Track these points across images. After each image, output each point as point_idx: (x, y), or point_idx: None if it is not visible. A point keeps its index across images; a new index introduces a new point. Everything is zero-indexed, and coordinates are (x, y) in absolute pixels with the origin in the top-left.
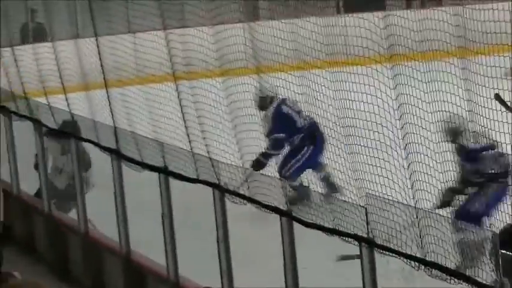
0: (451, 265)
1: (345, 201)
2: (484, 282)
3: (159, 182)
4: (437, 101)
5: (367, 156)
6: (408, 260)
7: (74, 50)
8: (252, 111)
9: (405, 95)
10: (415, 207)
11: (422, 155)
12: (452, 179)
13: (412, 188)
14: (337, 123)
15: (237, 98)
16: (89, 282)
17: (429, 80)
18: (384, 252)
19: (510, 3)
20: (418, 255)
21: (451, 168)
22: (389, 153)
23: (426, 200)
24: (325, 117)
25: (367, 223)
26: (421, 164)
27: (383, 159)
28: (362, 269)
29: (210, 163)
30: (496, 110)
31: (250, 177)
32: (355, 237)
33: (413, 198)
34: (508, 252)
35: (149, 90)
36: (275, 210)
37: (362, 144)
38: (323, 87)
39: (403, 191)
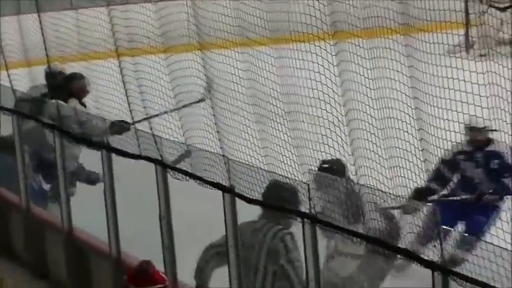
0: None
1: (287, 177)
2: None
3: (101, 158)
4: (380, 77)
5: (309, 132)
6: (351, 236)
7: (16, 27)
8: (195, 88)
9: (348, 72)
10: (357, 183)
11: (365, 132)
12: (397, 156)
13: (354, 164)
14: (280, 100)
15: (180, 75)
16: (30, 258)
17: (372, 56)
18: (325, 228)
19: None
20: (361, 231)
21: (393, 145)
22: (333, 130)
23: (368, 176)
24: (268, 93)
25: (310, 199)
26: (364, 140)
27: (325, 135)
28: (304, 246)
29: (153, 139)
30: (437, 86)
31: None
32: (297, 213)
33: (356, 174)
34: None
35: (92, 66)
36: (217, 186)
37: (305, 121)
38: (266, 64)
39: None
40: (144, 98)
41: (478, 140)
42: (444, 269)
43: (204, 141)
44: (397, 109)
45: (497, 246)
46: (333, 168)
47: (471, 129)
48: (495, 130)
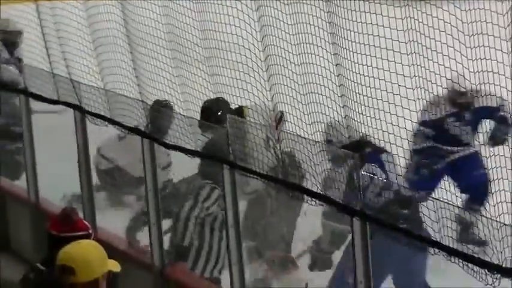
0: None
1: (203, 122)
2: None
3: (19, 104)
4: (299, 23)
5: (229, 78)
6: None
7: None
8: (115, 33)
9: (267, 17)
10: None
11: (284, 77)
12: (316, 101)
13: (274, 110)
14: (200, 45)
15: (99, 19)
16: None
17: (291, 2)
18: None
19: None
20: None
21: (312, 91)
22: (251, 75)
23: (289, 122)
24: (187, 39)
25: (229, 145)
26: (283, 86)
27: (244, 81)
28: (224, 193)
29: (71, 85)
30: (356, 32)
31: (111, 98)
32: (219, 160)
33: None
34: None
35: (9, 10)
36: (135, 131)
37: (224, 67)
38: (185, 9)
39: (264, 113)
40: (62, 43)
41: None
42: (362, 215)
43: (122, 86)
44: (316, 55)
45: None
46: (211, 108)
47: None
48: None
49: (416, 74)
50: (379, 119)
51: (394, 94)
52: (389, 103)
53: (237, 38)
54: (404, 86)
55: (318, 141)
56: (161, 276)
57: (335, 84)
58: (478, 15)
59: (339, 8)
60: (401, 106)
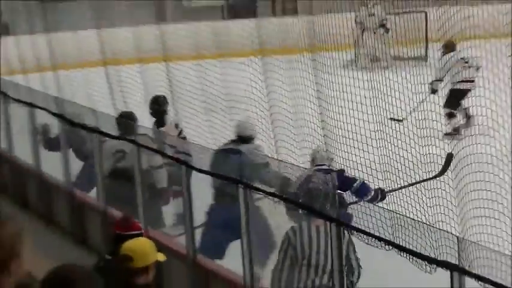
0: None
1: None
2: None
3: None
4: (294, 83)
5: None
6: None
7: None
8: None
9: (271, 79)
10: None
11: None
12: (305, 139)
13: (275, 145)
14: (221, 92)
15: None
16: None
17: (288, 68)
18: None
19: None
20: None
21: (302, 131)
22: (259, 121)
23: (284, 154)
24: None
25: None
26: (282, 128)
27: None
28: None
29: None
30: (336, 90)
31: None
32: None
33: (277, 152)
34: None
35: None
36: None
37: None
38: (214, 73)
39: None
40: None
41: None
42: (338, 221)
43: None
44: (305, 106)
45: None
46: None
47: None
48: None
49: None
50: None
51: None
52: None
53: (249, 93)
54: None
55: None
56: (193, 264)
57: (319, 125)
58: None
59: (322, 72)
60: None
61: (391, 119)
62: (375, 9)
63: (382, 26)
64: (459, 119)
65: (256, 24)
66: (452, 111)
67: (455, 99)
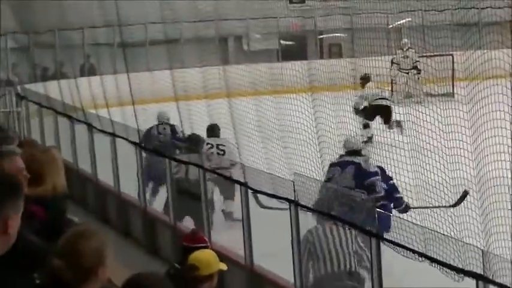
0: None
1: (279, 177)
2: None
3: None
4: (340, 115)
5: (294, 149)
6: None
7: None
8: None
9: (320, 112)
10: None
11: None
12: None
13: (323, 168)
14: (276, 124)
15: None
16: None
17: (335, 102)
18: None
19: None
20: None
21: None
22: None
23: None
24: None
25: (294, 191)
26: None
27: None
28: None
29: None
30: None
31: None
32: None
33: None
34: None
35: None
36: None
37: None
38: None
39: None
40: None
41: None
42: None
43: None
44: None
45: None
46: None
47: None
48: None
49: None
50: None
51: None
52: None
53: (299, 124)
54: None
55: None
56: (251, 272)
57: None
58: None
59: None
60: None
61: None
62: (409, 52)
63: (415, 68)
64: (372, 130)
65: (307, 65)
66: (368, 122)
67: (373, 112)
